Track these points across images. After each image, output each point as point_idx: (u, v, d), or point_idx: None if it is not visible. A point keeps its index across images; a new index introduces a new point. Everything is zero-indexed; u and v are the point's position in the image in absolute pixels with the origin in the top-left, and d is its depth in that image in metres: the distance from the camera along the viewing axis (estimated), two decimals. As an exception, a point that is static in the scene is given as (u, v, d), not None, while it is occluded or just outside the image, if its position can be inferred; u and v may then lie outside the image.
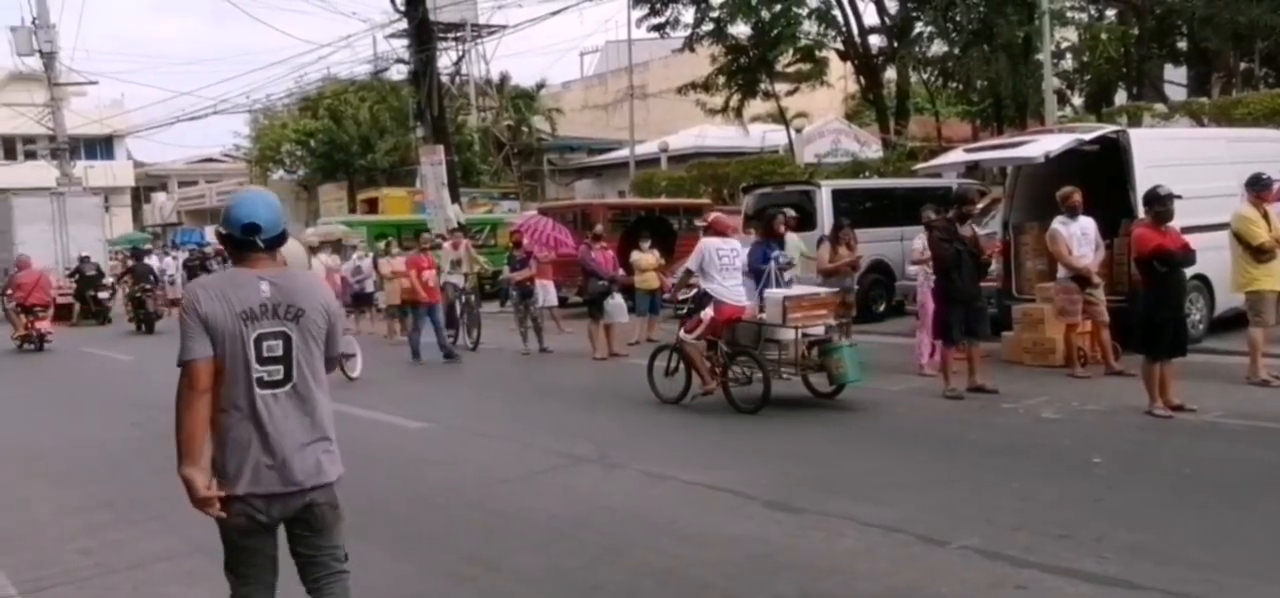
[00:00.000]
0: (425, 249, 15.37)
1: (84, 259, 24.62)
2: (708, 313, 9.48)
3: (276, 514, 3.43)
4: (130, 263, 23.98)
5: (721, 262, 9.49)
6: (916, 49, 26.52)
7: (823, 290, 10.19)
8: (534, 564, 5.39)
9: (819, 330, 9.29)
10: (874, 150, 25.14)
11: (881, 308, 15.67)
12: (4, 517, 6.93)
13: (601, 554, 5.49)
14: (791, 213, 12.23)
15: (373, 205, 31.76)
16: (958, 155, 13.91)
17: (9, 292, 19.58)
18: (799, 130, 27.58)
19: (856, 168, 23.51)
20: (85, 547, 6.07)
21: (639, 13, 28.04)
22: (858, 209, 15.10)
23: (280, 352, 3.39)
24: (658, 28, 28.02)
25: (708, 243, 9.62)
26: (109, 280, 24.98)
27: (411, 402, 11.02)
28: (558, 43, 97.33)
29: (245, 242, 3.45)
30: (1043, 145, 11.38)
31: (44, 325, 18.85)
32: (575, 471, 7.51)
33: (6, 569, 5.67)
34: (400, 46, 31.00)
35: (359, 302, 19.42)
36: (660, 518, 6.10)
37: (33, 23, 32.76)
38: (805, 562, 5.20)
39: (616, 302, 13.66)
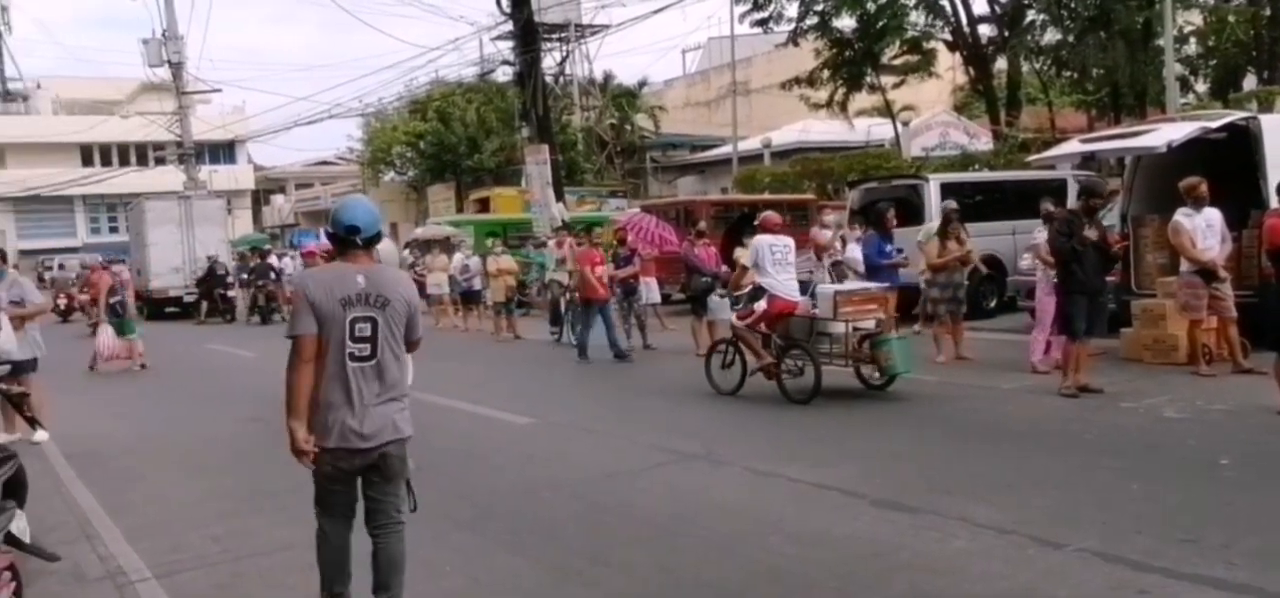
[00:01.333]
0: (596, 244, 15.15)
1: (214, 259, 26.20)
2: (761, 305, 9.93)
3: (357, 465, 4.27)
4: (254, 262, 26.72)
5: (774, 257, 9.92)
6: (1028, 37, 25.79)
7: (873, 286, 10.47)
8: (642, 560, 5.43)
9: (870, 324, 9.68)
10: (984, 143, 24.44)
11: (992, 304, 15.31)
12: (141, 505, 7.34)
13: (709, 552, 5.50)
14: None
15: (484, 205, 32.47)
16: (1073, 146, 13.51)
17: (83, 288, 22.54)
18: (906, 123, 27.07)
19: (965, 161, 22.93)
20: (215, 534, 6.36)
21: (742, 8, 27.95)
22: (967, 203, 14.74)
23: (369, 333, 4.20)
24: (761, 23, 27.90)
25: (761, 240, 10.05)
26: (232, 279, 26.56)
27: (518, 397, 11.22)
28: (660, 40, 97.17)
29: (348, 240, 4.24)
30: (1164, 134, 10.96)
31: None
32: (681, 467, 7.55)
33: (143, 553, 6.00)
34: (506, 48, 31.73)
35: (467, 299, 19.87)
36: (768, 516, 6.09)
37: (162, 35, 34.45)
38: (917, 563, 5.12)
39: (720, 298, 13.65)
